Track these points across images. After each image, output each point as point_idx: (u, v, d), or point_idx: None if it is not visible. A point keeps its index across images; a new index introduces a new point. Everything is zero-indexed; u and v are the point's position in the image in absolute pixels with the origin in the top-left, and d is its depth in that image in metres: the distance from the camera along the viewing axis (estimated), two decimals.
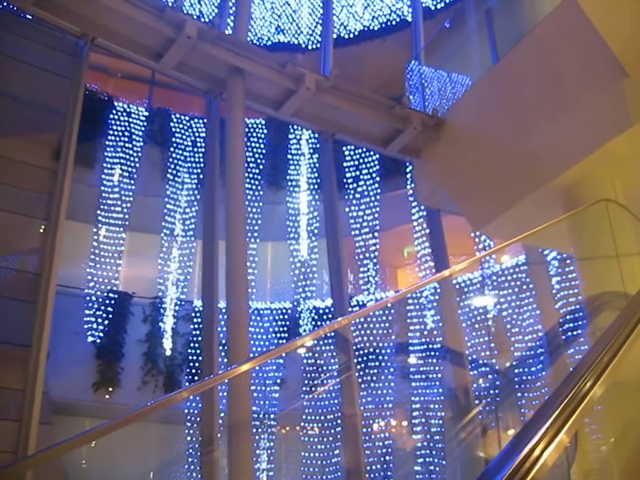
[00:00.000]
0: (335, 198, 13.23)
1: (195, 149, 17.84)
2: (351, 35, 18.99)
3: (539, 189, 9.79)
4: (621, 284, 8.49)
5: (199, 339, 16.57)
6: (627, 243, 8.82)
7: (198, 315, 16.83)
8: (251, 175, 17.82)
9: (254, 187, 17.79)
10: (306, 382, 16.34)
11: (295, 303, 17.19)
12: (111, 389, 15.77)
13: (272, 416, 16.11)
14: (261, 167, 18.00)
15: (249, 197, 17.59)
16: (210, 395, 10.16)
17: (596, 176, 9.33)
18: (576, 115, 9.12)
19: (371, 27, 19.04)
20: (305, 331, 16.74)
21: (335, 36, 18.86)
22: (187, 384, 16.12)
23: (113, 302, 16.37)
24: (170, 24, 10.01)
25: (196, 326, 16.74)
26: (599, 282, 9.00)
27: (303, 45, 18.86)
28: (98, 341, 15.90)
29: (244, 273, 10.49)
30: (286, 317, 17.09)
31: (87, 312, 15.99)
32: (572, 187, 9.56)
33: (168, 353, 16.33)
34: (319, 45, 18.73)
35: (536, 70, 9.97)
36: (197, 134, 18.01)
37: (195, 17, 15.04)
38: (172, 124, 17.89)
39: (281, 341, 16.79)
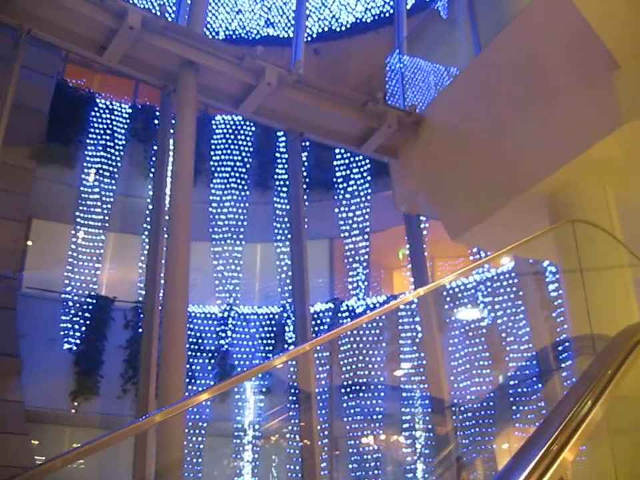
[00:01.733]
0: (301, 200, 12.46)
1: None
2: (343, 28, 18.20)
3: (520, 195, 8.94)
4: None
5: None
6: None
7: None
8: (236, 175, 17.11)
9: (240, 187, 17.07)
10: (292, 391, 15.65)
11: (282, 308, 16.47)
12: (89, 398, 15.14)
13: (256, 426, 15.43)
14: (248, 165, 17.28)
15: (234, 197, 16.91)
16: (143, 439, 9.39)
17: (583, 182, 8.54)
18: (560, 114, 8.36)
19: (363, 19, 18.26)
20: (290, 338, 16.02)
21: (326, 29, 18.18)
22: None
23: (92, 307, 15.73)
24: (111, 14, 9.28)
25: None
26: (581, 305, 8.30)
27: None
28: (76, 347, 15.27)
29: (185, 275, 9.81)
30: (273, 322, 16.38)
31: (64, 317, 15.35)
32: (557, 194, 8.74)
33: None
34: (311, 38, 18.01)
35: (519, 61, 9.22)
36: None
37: (141, 6, 14.32)
38: (157, 121, 17.17)
39: (267, 348, 16.12)
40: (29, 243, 17.32)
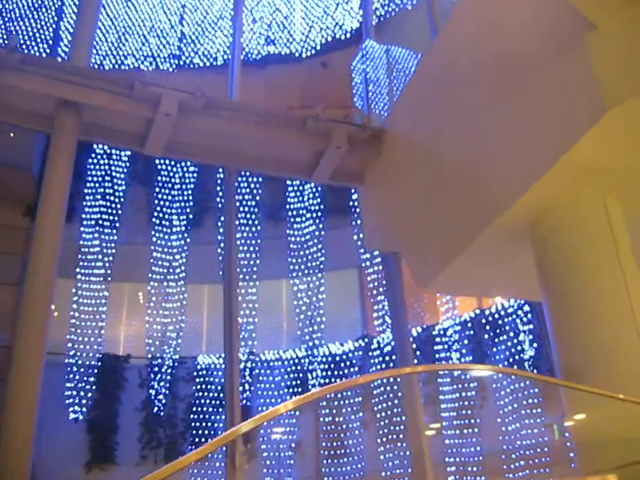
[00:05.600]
0: (233, 240, 10.72)
1: (184, 187, 15.88)
2: (348, 35, 16.49)
3: (493, 222, 7.01)
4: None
5: (203, 401, 14.62)
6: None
7: (201, 373, 14.86)
8: (247, 209, 15.71)
9: (250, 222, 15.65)
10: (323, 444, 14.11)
11: (307, 351, 14.94)
12: (105, 468, 13.98)
13: None
14: (258, 198, 15.85)
15: (244, 234, 15.51)
16: None
17: (573, 196, 6.65)
18: (529, 110, 6.48)
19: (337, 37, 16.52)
20: (314, 385, 14.50)
21: (329, 38, 16.65)
22: None
23: (102, 367, 14.58)
24: None
25: (199, 386, 14.77)
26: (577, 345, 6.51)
27: (297, 54, 16.55)
28: (87, 414, 14.14)
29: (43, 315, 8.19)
30: (298, 367, 14.88)
31: (71, 383, 14.24)
32: (541, 216, 6.88)
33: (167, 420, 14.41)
34: (311, 53, 16.46)
35: (478, 42, 7.46)
36: (185, 171, 16.05)
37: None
38: (158, 162, 15.94)
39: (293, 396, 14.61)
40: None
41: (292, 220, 15.81)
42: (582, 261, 6.56)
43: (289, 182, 15.90)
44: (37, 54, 14.67)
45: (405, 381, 10.28)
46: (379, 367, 14.22)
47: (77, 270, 14.92)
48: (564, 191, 6.54)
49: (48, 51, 15.18)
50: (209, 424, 14.48)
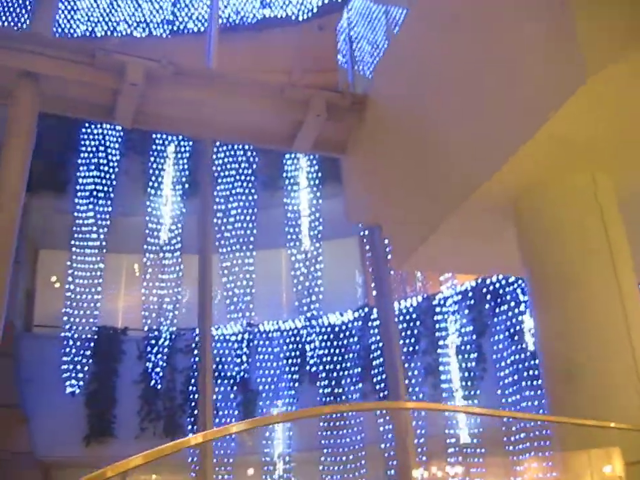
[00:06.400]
0: (210, 212, 10.33)
1: (179, 156, 15.55)
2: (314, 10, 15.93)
3: (468, 199, 6.58)
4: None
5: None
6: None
7: (199, 345, 14.66)
8: (243, 177, 15.39)
9: (247, 191, 15.34)
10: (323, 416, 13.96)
11: (306, 321, 14.72)
12: (104, 441, 13.91)
13: (287, 458, 13.84)
14: (254, 166, 15.52)
15: (240, 204, 15.22)
16: None
17: (558, 171, 6.26)
18: (507, 77, 5.98)
19: None
20: (313, 357, 14.32)
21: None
22: (190, 427, 14.07)
23: (99, 340, 14.45)
24: None
25: (197, 358, 14.58)
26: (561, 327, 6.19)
27: (293, 17, 16.04)
28: (84, 387, 14.05)
29: None
30: (297, 338, 14.68)
31: (68, 356, 14.13)
32: (523, 192, 6.45)
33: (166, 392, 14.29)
34: (308, 16, 15.94)
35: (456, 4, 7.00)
36: (180, 139, 15.71)
37: None
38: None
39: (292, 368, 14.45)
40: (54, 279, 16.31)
41: (289, 188, 15.49)
42: (567, 240, 6.21)
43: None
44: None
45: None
46: (378, 337, 14.00)
47: (72, 242, 14.73)
48: (547, 166, 6.16)
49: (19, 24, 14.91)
50: None
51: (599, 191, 6.27)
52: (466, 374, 13.14)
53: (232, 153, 15.53)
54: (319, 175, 15.28)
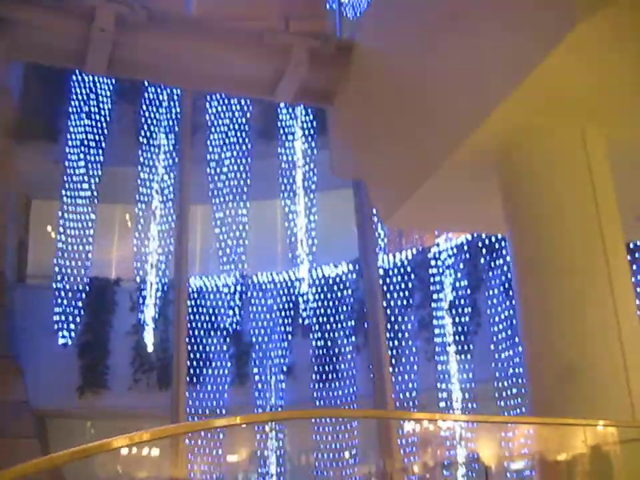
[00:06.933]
0: (187, 163, 10.04)
1: (172, 104, 15.18)
2: None
3: (456, 150, 6.36)
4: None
5: (194, 324, 14.39)
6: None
7: (192, 296, 14.57)
8: (237, 127, 15.06)
9: (240, 141, 15.03)
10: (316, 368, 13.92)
11: (300, 273, 14.54)
12: (97, 392, 13.91)
13: (279, 410, 13.82)
14: (249, 115, 15.16)
15: (234, 153, 14.92)
16: None
17: (545, 124, 5.99)
18: (493, 24, 5.76)
19: None
20: (306, 309, 14.19)
21: None
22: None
23: (91, 291, 14.34)
24: None
25: (190, 309, 14.49)
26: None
27: None
28: (77, 339, 14.00)
29: None
30: (291, 290, 14.54)
31: (60, 307, 14.05)
32: (508, 146, 6.21)
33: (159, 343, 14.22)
34: None
35: None
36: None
37: None
38: None
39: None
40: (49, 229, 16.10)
41: (284, 138, 15.16)
42: (553, 196, 5.99)
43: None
44: None
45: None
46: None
47: (63, 192, 14.52)
48: (535, 117, 5.89)
49: None
50: (201, 347, 14.30)
51: (588, 145, 6.01)
52: (460, 329, 13.00)
53: (225, 101, 15.18)
54: (315, 124, 14.92)
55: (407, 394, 13.06)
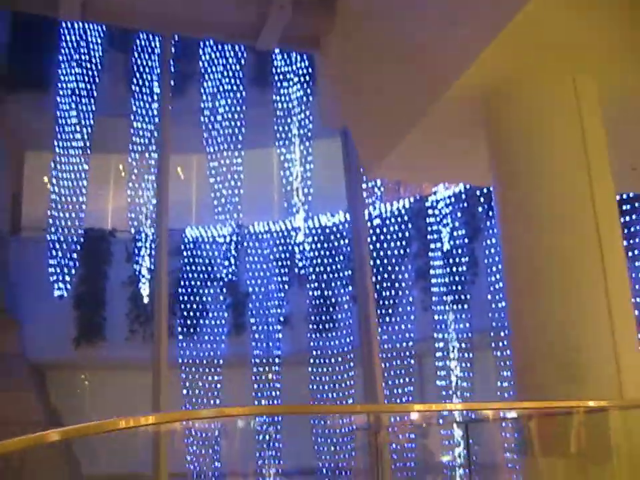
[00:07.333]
0: (167, 108, 9.77)
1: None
2: None
3: (439, 100, 6.08)
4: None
5: (191, 275, 14.30)
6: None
7: (188, 246, 14.45)
8: (230, 74, 14.74)
9: (235, 88, 14.72)
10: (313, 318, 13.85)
11: (296, 222, 14.37)
12: (94, 343, 13.90)
13: (276, 360, 13.80)
14: (243, 61, 14.82)
15: (228, 101, 14.63)
16: None
17: (533, 72, 5.70)
18: None
19: None
20: (302, 259, 14.06)
21: None
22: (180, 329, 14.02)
23: (86, 242, 14.22)
24: None
25: (186, 260, 14.40)
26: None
27: None
28: (73, 290, 13.93)
29: None
30: (287, 240, 14.40)
31: (55, 259, 13.95)
32: (494, 93, 5.94)
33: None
34: None
35: None
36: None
37: None
38: None
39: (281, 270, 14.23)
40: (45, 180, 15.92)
41: (279, 85, 14.83)
42: (541, 146, 5.74)
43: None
44: None
45: None
46: (368, 239, 13.68)
47: (55, 142, 14.30)
48: (521, 66, 5.63)
49: None
50: (197, 298, 14.24)
51: (579, 94, 5.75)
52: (457, 278, 12.87)
53: (219, 47, 14.82)
54: (310, 70, 14.57)
55: (404, 344, 13.01)
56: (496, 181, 6.18)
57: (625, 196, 10.70)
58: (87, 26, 14.64)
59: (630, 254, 10.85)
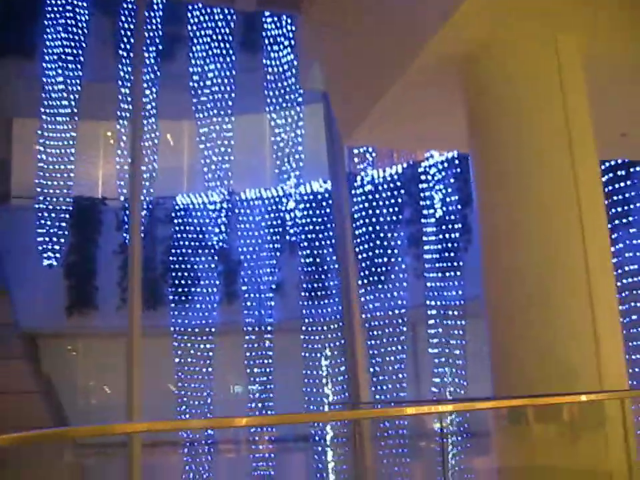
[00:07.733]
0: (140, 72, 9.59)
1: (152, 15, 14.51)
2: None
3: (413, 62, 5.89)
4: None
5: (182, 242, 14.16)
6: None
7: (180, 214, 14.30)
8: (219, 37, 14.43)
9: (224, 52, 14.42)
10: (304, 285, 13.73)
11: (287, 189, 14.19)
12: (85, 312, 13.81)
13: (268, 327, 13.71)
14: (232, 25, 14.52)
15: (218, 66, 14.35)
16: None
17: (513, 32, 5.52)
18: None
19: None
20: (294, 226, 13.90)
21: None
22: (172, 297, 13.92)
23: (76, 210, 14.06)
24: None
25: (178, 228, 14.25)
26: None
27: None
28: (63, 259, 13.81)
29: None
30: (278, 206, 14.22)
31: (45, 228, 13.80)
32: (473, 57, 5.75)
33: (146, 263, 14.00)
34: None
35: None
36: None
37: None
38: None
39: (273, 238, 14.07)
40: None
41: (269, 49, 14.52)
42: (520, 109, 5.57)
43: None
44: None
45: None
46: (360, 205, 13.54)
47: (42, 109, 14.06)
48: (500, 27, 5.43)
49: None
50: (189, 265, 14.12)
51: (561, 55, 5.55)
52: (449, 245, 12.72)
53: (207, 11, 14.51)
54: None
55: (396, 311, 12.91)
56: (473, 146, 6.01)
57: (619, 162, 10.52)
58: None
59: (624, 220, 10.71)
